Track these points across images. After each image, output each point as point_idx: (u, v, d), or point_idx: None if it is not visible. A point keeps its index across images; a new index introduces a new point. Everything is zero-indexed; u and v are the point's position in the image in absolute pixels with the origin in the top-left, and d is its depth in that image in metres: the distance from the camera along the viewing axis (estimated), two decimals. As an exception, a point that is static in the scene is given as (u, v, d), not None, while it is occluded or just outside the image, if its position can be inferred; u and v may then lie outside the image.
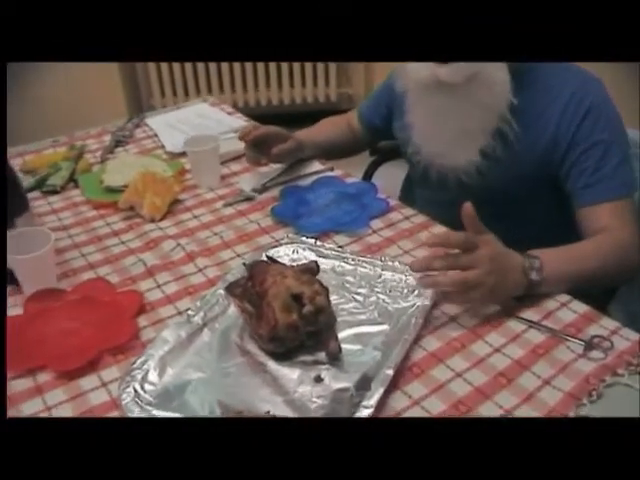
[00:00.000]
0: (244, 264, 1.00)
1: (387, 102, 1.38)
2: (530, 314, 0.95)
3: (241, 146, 1.44)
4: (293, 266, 0.97)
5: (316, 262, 0.99)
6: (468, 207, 0.91)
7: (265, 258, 1.02)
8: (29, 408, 0.83)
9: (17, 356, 0.90)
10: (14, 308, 1.01)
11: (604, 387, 0.83)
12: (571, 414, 0.79)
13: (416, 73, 1.14)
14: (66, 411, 0.82)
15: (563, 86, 1.14)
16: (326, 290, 0.91)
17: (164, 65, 3.10)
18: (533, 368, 0.86)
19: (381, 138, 1.52)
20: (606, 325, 0.93)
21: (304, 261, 1.04)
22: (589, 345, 0.89)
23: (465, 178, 1.19)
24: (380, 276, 1.03)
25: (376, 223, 1.19)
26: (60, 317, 0.98)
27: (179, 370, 0.87)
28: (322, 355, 0.88)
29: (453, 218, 1.12)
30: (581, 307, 0.97)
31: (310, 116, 1.37)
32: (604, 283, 1.13)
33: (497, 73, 1.09)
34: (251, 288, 0.91)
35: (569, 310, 0.96)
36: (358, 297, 0.99)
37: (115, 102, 3.08)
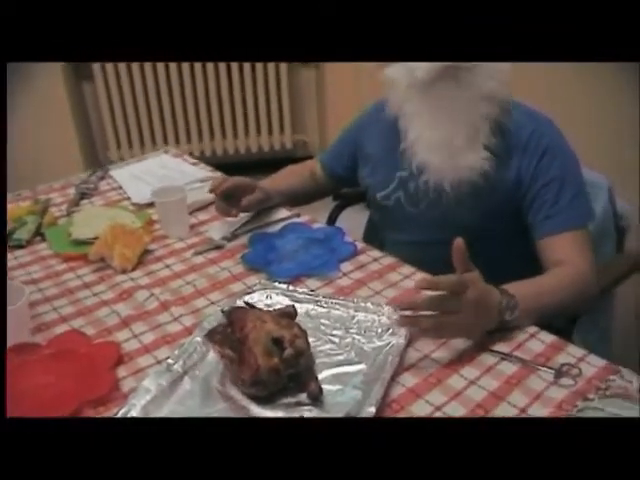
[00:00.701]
0: (222, 311, 1.01)
1: (349, 153, 1.44)
2: (501, 346, 0.99)
3: (208, 196, 1.47)
4: (270, 311, 0.99)
5: (293, 306, 1.01)
6: (459, 242, 0.94)
7: (242, 304, 1.03)
8: (10, 466, 0.82)
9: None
10: (-13, 365, 0.99)
11: (577, 412, 0.87)
12: (548, 441, 0.83)
13: (411, 75, 1.16)
14: (49, 467, 0.81)
15: (522, 129, 1.22)
16: (305, 333, 0.93)
17: (119, 117, 3.11)
18: (508, 398, 0.90)
19: (344, 186, 1.57)
20: (573, 353, 0.98)
21: (279, 306, 1.06)
22: (559, 373, 0.93)
23: (480, 180, 1.20)
24: (354, 317, 1.06)
25: (346, 266, 1.22)
26: (36, 371, 0.97)
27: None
28: (303, 396, 0.90)
29: (427, 258, 1.17)
30: (548, 337, 1.01)
31: (266, 164, 1.41)
32: (567, 314, 1.19)
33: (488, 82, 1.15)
34: (231, 334, 0.93)
35: (537, 340, 1.01)
36: (334, 339, 1.02)
37: (70, 156, 3.07)
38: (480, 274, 0.97)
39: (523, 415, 0.86)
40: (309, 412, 0.87)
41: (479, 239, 1.23)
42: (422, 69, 1.13)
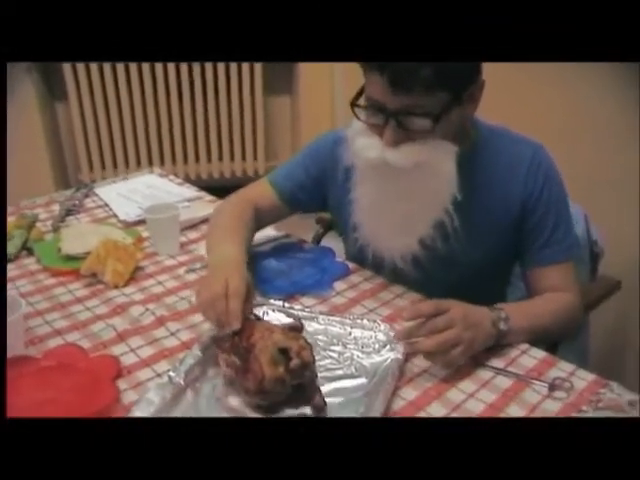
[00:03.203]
0: None
1: (314, 177, 1.30)
2: (495, 362, 1.02)
3: (197, 215, 1.49)
4: (277, 325, 1.00)
5: (300, 320, 1.03)
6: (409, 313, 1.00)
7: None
8: None
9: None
10: (-20, 378, 0.97)
11: (572, 425, 0.90)
12: (547, 451, 0.85)
13: (365, 152, 1.10)
14: None
15: (520, 158, 1.18)
16: (310, 346, 0.94)
17: (92, 138, 3.10)
18: (506, 410, 0.93)
19: (303, 210, 1.39)
20: (563, 368, 1.02)
21: (276, 322, 1.07)
22: (552, 386, 0.97)
23: (400, 264, 1.18)
24: (350, 334, 1.08)
25: (338, 285, 1.24)
26: (33, 385, 0.95)
27: (167, 431, 0.87)
28: (307, 408, 0.91)
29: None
30: (539, 353, 1.05)
31: (237, 189, 1.34)
32: (553, 338, 1.22)
33: (444, 163, 1.08)
34: (238, 342, 0.93)
35: (529, 356, 1.04)
36: (333, 354, 1.03)
37: (40, 177, 3.03)
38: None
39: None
40: (314, 424, 0.89)
41: (474, 274, 1.26)
42: (394, 159, 1.06)
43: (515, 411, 0.92)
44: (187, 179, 3.22)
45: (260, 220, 1.30)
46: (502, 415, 0.92)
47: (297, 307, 1.14)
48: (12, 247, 1.34)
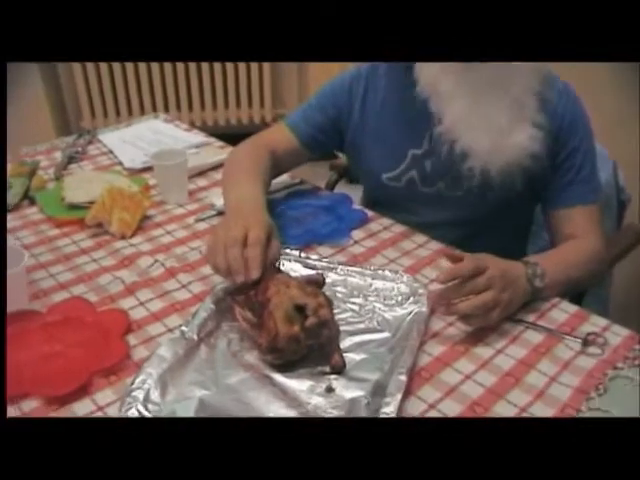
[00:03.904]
0: None
1: (331, 118, 1.26)
2: (524, 315, 0.97)
3: (206, 161, 1.42)
4: (297, 277, 0.95)
5: (322, 274, 0.97)
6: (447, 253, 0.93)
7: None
8: (20, 438, 0.76)
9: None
10: (-17, 333, 0.93)
11: (608, 380, 0.86)
12: (583, 408, 0.81)
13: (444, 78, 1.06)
14: (63, 439, 0.76)
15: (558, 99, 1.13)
16: (330, 303, 0.89)
17: (94, 83, 3.00)
18: (538, 366, 0.88)
19: (322, 153, 1.34)
20: (597, 323, 0.96)
21: (292, 273, 1.02)
22: (585, 342, 0.91)
23: (532, 163, 1.09)
24: (371, 285, 1.02)
25: (357, 234, 1.18)
26: (39, 340, 0.91)
27: (182, 389, 0.83)
28: (325, 368, 0.86)
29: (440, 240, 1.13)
30: (571, 307, 1.00)
31: (244, 137, 1.28)
32: (581, 287, 1.17)
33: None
34: (254, 296, 0.88)
35: (560, 310, 0.99)
36: (353, 307, 0.98)
37: (40, 125, 2.95)
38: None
39: (554, 383, 0.85)
40: (336, 381, 0.84)
41: (498, 213, 1.21)
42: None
43: (547, 367, 0.87)
44: (192, 127, 3.14)
45: (277, 165, 1.25)
46: (533, 371, 0.87)
47: (314, 257, 1.08)
48: (13, 196, 1.28)
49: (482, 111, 1.07)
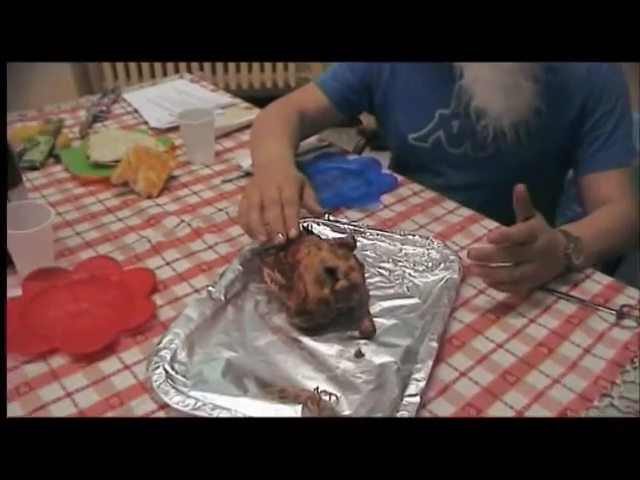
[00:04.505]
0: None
1: (361, 78, 1.25)
2: (556, 286, 0.94)
3: (232, 122, 1.40)
4: (328, 239, 0.93)
5: (354, 237, 0.95)
6: (521, 188, 0.86)
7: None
8: (47, 394, 0.76)
9: (23, 340, 0.83)
10: (10, 289, 0.92)
11: (644, 354, 0.83)
12: (617, 381, 0.79)
13: None
14: (91, 397, 0.76)
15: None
16: (362, 266, 0.87)
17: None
18: (571, 337, 0.85)
19: (352, 113, 1.33)
20: (631, 295, 0.94)
21: (322, 237, 1.00)
22: (620, 314, 0.89)
23: (537, 119, 1.12)
24: (401, 250, 1.00)
25: (386, 198, 1.16)
26: (65, 298, 0.90)
27: (209, 349, 0.82)
28: (354, 332, 0.85)
29: (467, 202, 1.10)
30: (605, 278, 0.97)
31: (269, 101, 1.27)
32: (615, 254, 1.15)
33: None
34: (283, 258, 0.86)
35: (593, 281, 0.96)
36: (383, 271, 0.96)
37: (62, 86, 2.93)
38: (542, 218, 0.91)
39: (587, 355, 0.83)
40: (365, 346, 0.82)
41: (525, 178, 1.18)
42: None
43: (581, 338, 0.85)
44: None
45: (306, 127, 1.22)
46: (566, 342, 0.85)
47: (343, 220, 1.06)
48: (38, 154, 1.27)
49: (499, 68, 1.07)
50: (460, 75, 1.12)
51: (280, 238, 0.87)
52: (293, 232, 0.88)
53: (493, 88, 1.09)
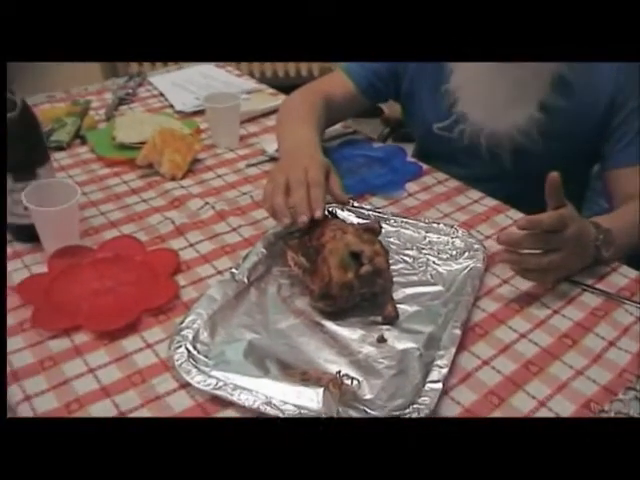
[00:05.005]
0: None
1: (388, 64, 1.25)
2: (582, 278, 0.93)
3: (258, 107, 1.40)
4: (353, 223, 0.92)
5: (379, 222, 0.94)
6: (555, 177, 0.84)
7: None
8: (71, 369, 0.77)
9: (48, 316, 0.84)
10: (36, 266, 0.93)
11: (670, 349, 0.82)
12: (643, 375, 0.78)
13: None
14: (113, 373, 0.76)
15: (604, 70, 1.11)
16: (386, 252, 0.87)
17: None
18: (596, 330, 0.84)
19: (378, 100, 1.34)
20: (659, 289, 0.92)
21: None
22: (647, 308, 0.88)
23: (523, 140, 1.13)
24: (425, 238, 0.99)
25: (411, 186, 1.15)
26: (90, 276, 0.91)
27: (231, 330, 0.82)
28: (377, 318, 0.84)
29: (496, 194, 1.09)
30: (631, 272, 0.96)
31: (293, 89, 1.26)
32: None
33: None
34: (308, 241, 0.86)
35: (620, 275, 0.95)
36: (406, 258, 0.96)
37: (87, 69, 2.93)
38: (573, 208, 0.90)
39: (612, 348, 0.81)
40: (388, 332, 0.82)
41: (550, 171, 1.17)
42: None
43: (606, 331, 0.84)
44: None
45: (332, 113, 1.22)
46: (591, 334, 0.84)
47: (367, 207, 1.06)
48: (65, 134, 1.28)
49: (483, 83, 1.11)
50: (447, 78, 1.15)
51: (304, 219, 0.87)
52: (318, 213, 0.88)
53: (475, 100, 1.14)
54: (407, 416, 0.68)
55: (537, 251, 0.86)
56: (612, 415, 0.72)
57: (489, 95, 1.12)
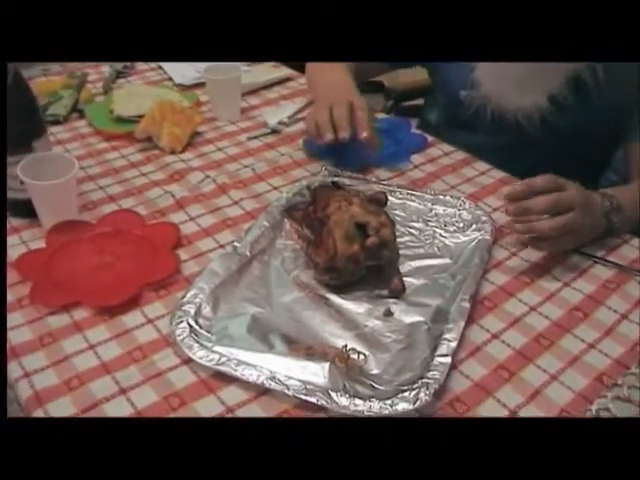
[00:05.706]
0: (307, 187, 0.92)
1: None
2: (592, 250, 0.91)
3: (259, 79, 1.37)
4: (359, 193, 0.90)
5: (384, 193, 0.92)
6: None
7: (329, 183, 0.93)
8: (70, 346, 0.75)
9: (46, 292, 0.82)
10: (34, 242, 0.91)
11: (683, 321, 0.80)
12: (656, 348, 0.76)
13: None
14: (113, 350, 0.74)
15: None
16: (393, 223, 0.84)
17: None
18: (607, 303, 0.82)
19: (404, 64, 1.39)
20: (671, 261, 0.90)
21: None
22: (660, 280, 0.85)
23: (525, 122, 1.13)
24: (431, 210, 0.97)
25: (416, 158, 1.12)
26: (89, 251, 0.89)
27: (234, 305, 0.80)
28: (383, 291, 0.82)
29: (500, 162, 1.07)
30: (643, 243, 0.94)
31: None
32: None
33: None
34: (312, 213, 0.84)
35: (631, 247, 0.93)
36: (413, 231, 0.93)
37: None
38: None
39: (624, 321, 0.79)
40: (395, 305, 0.80)
41: (573, 141, 1.14)
42: None
43: (617, 304, 0.82)
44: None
45: (357, 69, 1.22)
46: (602, 307, 0.82)
47: (372, 179, 1.03)
48: (62, 108, 1.25)
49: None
50: None
51: (345, 135, 0.91)
52: (364, 134, 0.92)
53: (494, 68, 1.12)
54: (416, 390, 0.66)
55: (546, 216, 0.84)
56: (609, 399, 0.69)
57: (504, 71, 1.11)
